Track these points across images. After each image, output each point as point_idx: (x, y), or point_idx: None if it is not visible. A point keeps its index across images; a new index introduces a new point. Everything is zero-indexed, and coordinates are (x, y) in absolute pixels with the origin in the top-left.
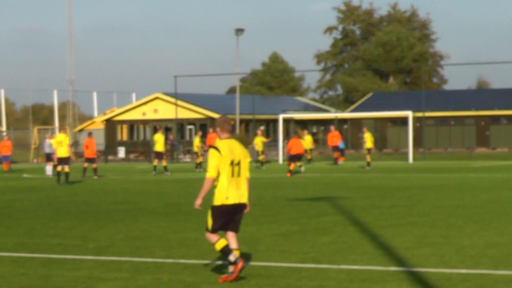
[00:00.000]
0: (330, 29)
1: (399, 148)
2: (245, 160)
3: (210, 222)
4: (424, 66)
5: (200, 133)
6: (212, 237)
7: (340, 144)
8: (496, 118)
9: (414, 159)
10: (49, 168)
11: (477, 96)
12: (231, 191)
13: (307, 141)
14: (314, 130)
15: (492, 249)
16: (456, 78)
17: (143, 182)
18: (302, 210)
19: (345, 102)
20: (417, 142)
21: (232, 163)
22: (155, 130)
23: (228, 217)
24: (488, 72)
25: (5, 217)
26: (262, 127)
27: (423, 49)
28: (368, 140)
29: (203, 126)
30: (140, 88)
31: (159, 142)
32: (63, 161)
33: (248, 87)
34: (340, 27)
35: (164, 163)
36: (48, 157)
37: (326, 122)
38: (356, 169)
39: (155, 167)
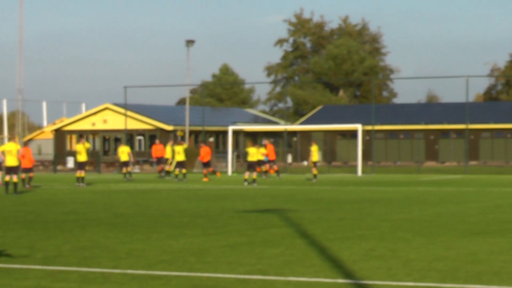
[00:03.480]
0: (280, 42)
1: (348, 161)
2: None
3: None
4: (374, 80)
5: (171, 142)
6: None
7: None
8: (445, 132)
9: (363, 172)
10: None
11: (427, 110)
12: None
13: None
14: (264, 142)
15: (439, 262)
16: (406, 92)
17: (91, 193)
18: (250, 221)
19: (295, 114)
20: (366, 155)
21: None
22: (77, 140)
23: None
24: (437, 86)
25: None
26: (212, 139)
27: (374, 62)
28: (315, 153)
29: (153, 137)
30: (90, 98)
31: (82, 152)
32: (12, 170)
33: (198, 99)
34: (291, 40)
35: (83, 173)
36: None
37: (275, 135)
38: (304, 182)
39: (82, 178)
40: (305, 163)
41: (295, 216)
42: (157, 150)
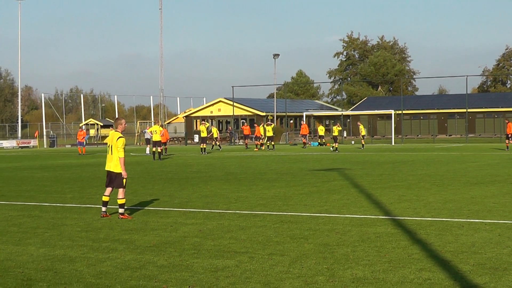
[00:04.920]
0: (338, 54)
1: (385, 135)
2: (115, 145)
3: None
4: (402, 79)
5: (262, 123)
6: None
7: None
8: (451, 114)
9: (395, 142)
10: (147, 149)
11: (439, 99)
12: (107, 162)
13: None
14: (327, 122)
15: (450, 204)
16: (424, 87)
17: (210, 158)
18: (318, 177)
19: (348, 103)
20: (397, 131)
21: (108, 146)
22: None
23: (108, 178)
24: (446, 82)
25: None
26: (291, 121)
27: (401, 67)
28: (363, 130)
29: (252, 120)
30: (209, 94)
31: (204, 131)
32: (156, 144)
33: (282, 94)
34: (345, 53)
35: (204, 146)
36: (147, 141)
37: (335, 117)
38: (355, 149)
39: (204, 149)
40: (353, 142)
41: (350, 172)
42: (244, 129)
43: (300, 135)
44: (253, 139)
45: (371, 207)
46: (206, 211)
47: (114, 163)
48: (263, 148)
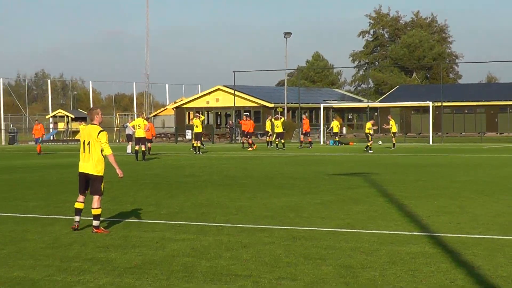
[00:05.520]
0: (363, 33)
1: (421, 132)
2: (95, 141)
3: None
4: (442, 64)
5: (269, 116)
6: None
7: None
8: (503, 108)
9: (433, 141)
10: (129, 147)
11: (487, 89)
12: (80, 162)
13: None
14: (350, 116)
15: (501, 217)
16: (469, 74)
17: (206, 159)
18: (338, 183)
19: (376, 93)
20: (436, 128)
21: (84, 142)
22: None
23: (82, 182)
24: (496, 68)
25: None
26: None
27: (441, 49)
28: (393, 125)
29: (257, 113)
30: (205, 81)
31: (198, 126)
32: (140, 141)
33: (294, 81)
34: (372, 31)
35: (199, 143)
36: (128, 138)
37: (360, 110)
38: (384, 149)
39: (199, 147)
40: (380, 142)
41: (377, 178)
42: (243, 124)
43: (304, 132)
44: (243, 136)
45: (404, 221)
46: (201, 224)
47: (93, 164)
48: (254, 147)
